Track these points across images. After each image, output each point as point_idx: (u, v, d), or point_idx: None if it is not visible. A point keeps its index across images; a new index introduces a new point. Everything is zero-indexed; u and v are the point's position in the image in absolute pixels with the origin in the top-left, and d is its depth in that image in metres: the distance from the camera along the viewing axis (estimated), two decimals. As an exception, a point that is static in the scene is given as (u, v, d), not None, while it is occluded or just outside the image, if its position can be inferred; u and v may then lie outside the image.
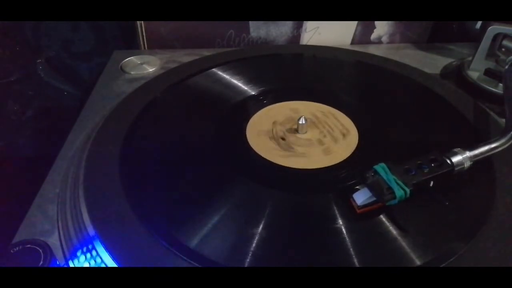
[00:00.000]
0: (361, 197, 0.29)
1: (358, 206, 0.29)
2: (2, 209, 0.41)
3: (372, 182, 0.28)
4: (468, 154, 0.30)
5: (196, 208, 0.30)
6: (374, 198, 0.28)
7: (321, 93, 0.43)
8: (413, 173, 0.29)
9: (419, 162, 0.29)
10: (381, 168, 0.29)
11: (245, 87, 0.44)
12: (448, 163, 0.29)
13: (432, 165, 0.29)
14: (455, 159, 0.30)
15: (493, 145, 0.31)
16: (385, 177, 0.28)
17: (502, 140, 0.31)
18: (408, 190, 0.27)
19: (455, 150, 0.30)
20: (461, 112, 0.40)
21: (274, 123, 0.39)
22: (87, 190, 0.31)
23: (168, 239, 0.27)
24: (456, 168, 0.29)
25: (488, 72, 0.46)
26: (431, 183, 0.29)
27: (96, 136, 0.36)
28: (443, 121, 0.40)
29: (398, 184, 0.28)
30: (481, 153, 0.30)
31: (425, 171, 0.29)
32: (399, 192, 0.27)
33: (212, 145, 0.36)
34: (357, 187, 0.30)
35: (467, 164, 0.30)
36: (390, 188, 0.28)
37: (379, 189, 0.28)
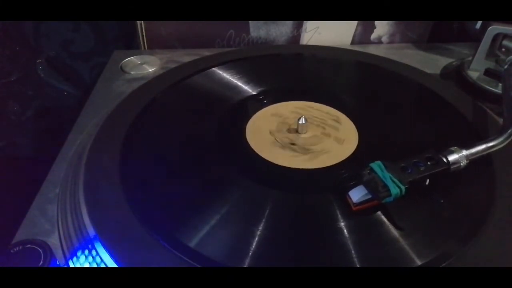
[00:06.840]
0: (357, 194, 0.29)
1: (354, 204, 0.29)
2: (2, 209, 0.41)
3: (368, 180, 0.28)
4: (464, 152, 0.30)
5: (195, 208, 0.30)
6: (370, 196, 0.29)
7: (322, 93, 0.43)
8: (409, 171, 0.29)
9: (415, 160, 0.30)
10: (377, 166, 0.29)
11: (245, 87, 0.44)
12: (444, 162, 0.29)
13: (428, 163, 0.29)
14: (451, 157, 0.29)
15: (490, 144, 0.31)
16: (380, 175, 0.28)
17: (500, 139, 0.31)
18: (403, 188, 0.28)
19: (452, 148, 0.30)
20: (461, 112, 0.40)
21: (271, 132, 0.38)
22: (87, 190, 0.31)
23: (168, 239, 0.27)
24: (452, 167, 0.29)
25: (488, 72, 0.46)
26: (427, 181, 0.29)
27: (96, 136, 0.36)
28: (443, 121, 0.40)
29: (393, 181, 0.28)
30: (478, 152, 0.30)
31: (421, 169, 0.29)
32: (394, 190, 0.27)
33: (212, 145, 0.36)
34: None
35: (464, 162, 0.30)
36: (385, 186, 0.28)
37: (374, 186, 0.28)
